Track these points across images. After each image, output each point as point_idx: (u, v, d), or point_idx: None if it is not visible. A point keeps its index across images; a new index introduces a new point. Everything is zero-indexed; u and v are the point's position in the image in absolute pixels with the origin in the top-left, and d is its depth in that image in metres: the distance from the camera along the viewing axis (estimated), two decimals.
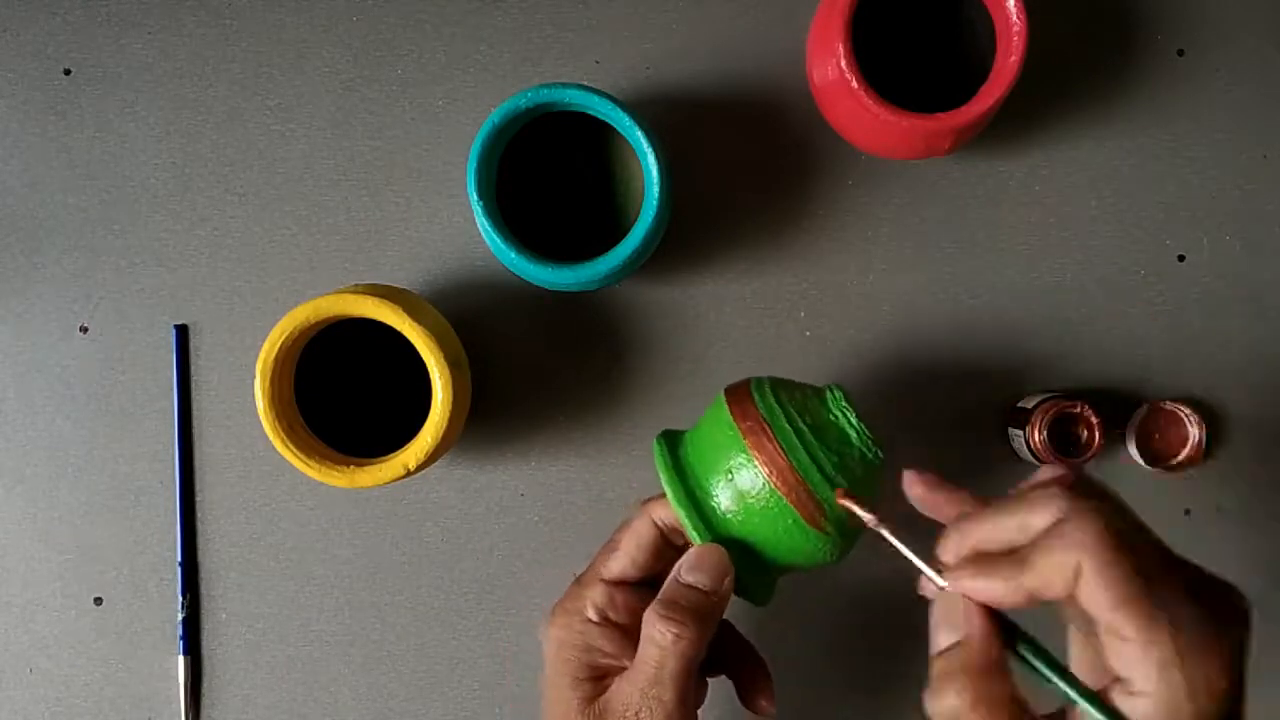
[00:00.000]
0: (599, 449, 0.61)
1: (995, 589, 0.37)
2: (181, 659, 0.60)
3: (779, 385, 0.48)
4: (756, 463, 0.45)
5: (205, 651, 0.61)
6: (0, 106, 0.60)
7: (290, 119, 0.60)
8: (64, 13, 0.60)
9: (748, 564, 0.47)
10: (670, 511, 0.48)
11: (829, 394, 0.48)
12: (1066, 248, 0.60)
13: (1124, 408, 0.60)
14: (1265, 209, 0.60)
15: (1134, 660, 0.34)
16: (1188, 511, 0.61)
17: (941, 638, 0.38)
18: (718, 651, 0.49)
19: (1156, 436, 0.59)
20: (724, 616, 0.47)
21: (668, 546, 0.49)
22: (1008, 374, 0.60)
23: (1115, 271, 0.60)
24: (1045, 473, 0.40)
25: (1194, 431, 0.58)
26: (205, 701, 0.61)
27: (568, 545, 0.60)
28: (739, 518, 0.46)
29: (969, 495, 0.42)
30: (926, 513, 0.43)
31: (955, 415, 0.60)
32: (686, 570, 0.45)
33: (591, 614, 0.47)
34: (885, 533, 0.42)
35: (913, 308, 0.60)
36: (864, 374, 0.60)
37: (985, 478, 0.60)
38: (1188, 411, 0.58)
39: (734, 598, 0.47)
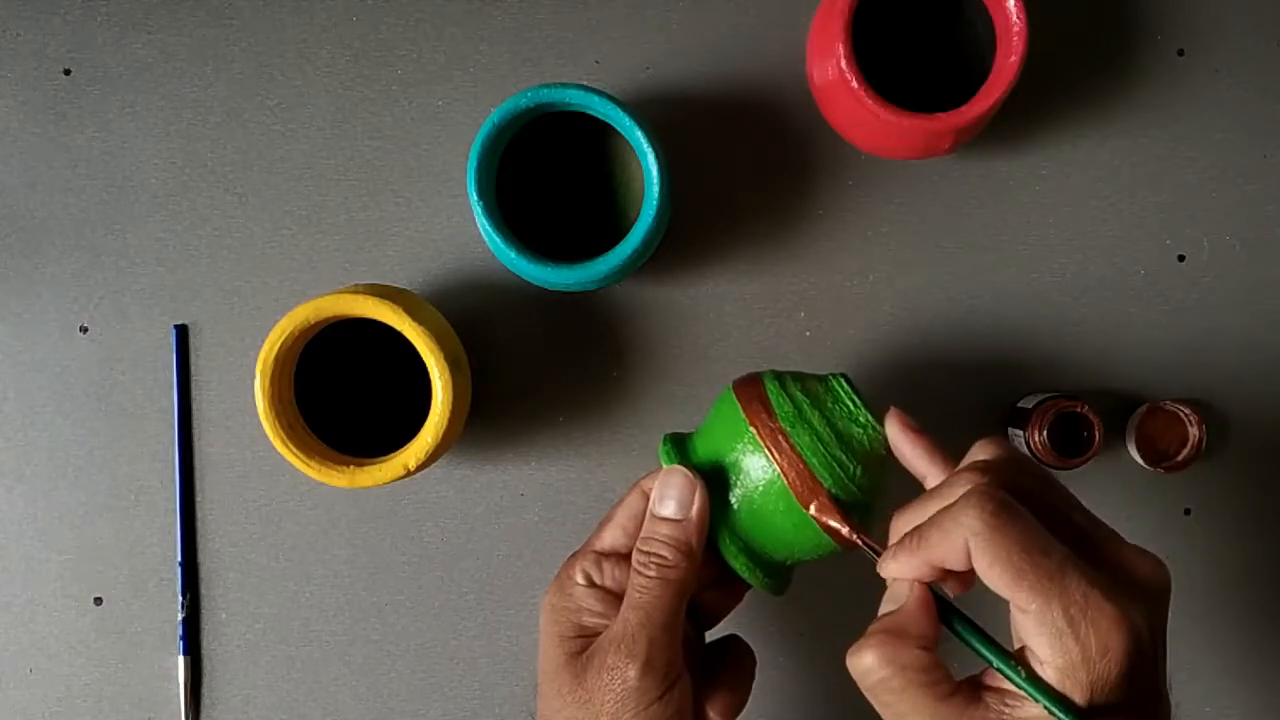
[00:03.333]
0: (599, 449, 0.61)
1: (904, 566, 0.39)
2: (181, 659, 0.60)
3: (788, 378, 0.48)
4: (768, 456, 0.45)
5: (205, 651, 0.61)
6: (0, 106, 0.60)
7: (290, 119, 0.60)
8: (64, 13, 0.60)
9: (762, 555, 0.47)
10: None
11: (835, 384, 0.48)
12: (1066, 248, 0.60)
13: (1124, 408, 0.60)
14: (1265, 209, 0.60)
15: (1032, 631, 0.36)
16: (1188, 511, 0.61)
17: (880, 609, 0.41)
18: (701, 649, 0.50)
19: (1156, 436, 0.59)
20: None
21: None
22: (1007, 374, 0.60)
23: (1115, 271, 0.60)
24: (975, 451, 0.42)
25: (1194, 431, 0.58)
26: (205, 701, 0.61)
27: (568, 545, 0.60)
28: (750, 511, 0.46)
29: (939, 453, 0.44)
30: (897, 454, 0.45)
31: (955, 415, 0.60)
32: (656, 503, 0.46)
33: (580, 579, 0.47)
34: (859, 541, 0.44)
35: (913, 308, 0.60)
36: (864, 374, 0.60)
37: None
38: (1188, 411, 0.58)
39: (751, 591, 0.47)
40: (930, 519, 0.38)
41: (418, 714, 0.61)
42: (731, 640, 0.51)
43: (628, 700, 0.43)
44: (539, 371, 0.60)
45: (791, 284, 0.60)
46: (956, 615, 0.39)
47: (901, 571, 0.39)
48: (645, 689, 0.43)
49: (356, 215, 0.60)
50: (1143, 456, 0.58)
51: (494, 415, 0.60)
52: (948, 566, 0.38)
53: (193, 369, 0.61)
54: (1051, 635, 0.35)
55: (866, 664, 0.38)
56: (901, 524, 0.41)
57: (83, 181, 0.60)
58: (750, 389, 0.47)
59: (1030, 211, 0.60)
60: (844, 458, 0.45)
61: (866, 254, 0.60)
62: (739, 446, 0.46)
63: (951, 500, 0.38)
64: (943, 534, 0.37)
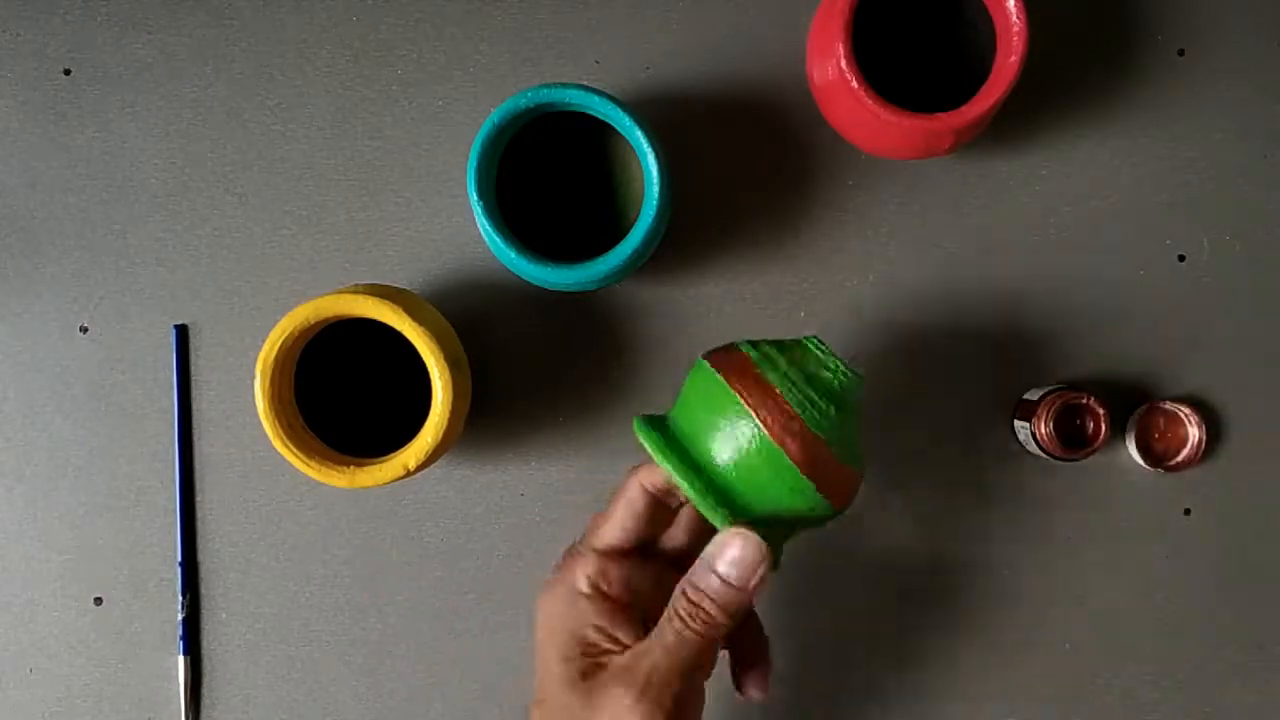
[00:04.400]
0: (599, 449, 0.61)
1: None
2: (181, 659, 0.60)
3: (760, 340, 0.48)
4: (754, 416, 0.45)
5: (205, 651, 0.61)
6: (0, 106, 0.60)
7: (290, 119, 0.60)
8: (64, 13, 0.60)
9: (747, 514, 0.46)
10: (658, 476, 0.47)
11: (806, 341, 0.48)
12: (1066, 248, 0.60)
13: (1124, 407, 0.60)
14: (1265, 209, 0.60)
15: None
16: (1188, 511, 0.61)
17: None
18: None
19: (1156, 436, 0.59)
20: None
21: (659, 510, 0.49)
22: (1006, 374, 0.60)
23: (1115, 271, 0.60)
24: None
25: (1194, 431, 0.58)
26: (205, 701, 0.61)
27: (568, 545, 0.60)
28: (740, 476, 0.45)
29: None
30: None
31: (955, 415, 0.60)
32: (719, 559, 0.45)
33: (583, 585, 0.46)
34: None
35: (913, 307, 0.60)
36: (865, 374, 0.60)
37: (987, 475, 0.60)
38: (1188, 411, 0.58)
39: None
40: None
41: (418, 714, 0.61)
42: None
43: None
44: (539, 371, 0.60)
45: (791, 284, 0.60)
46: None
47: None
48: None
49: (356, 215, 0.60)
50: (1143, 456, 0.59)
51: (494, 415, 0.60)
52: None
53: (193, 369, 0.61)
54: None
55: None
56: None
57: (83, 181, 0.60)
58: (724, 353, 0.48)
59: (1030, 211, 0.60)
60: (814, 395, 0.45)
61: (866, 254, 0.60)
62: (718, 406, 0.46)
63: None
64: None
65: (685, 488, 0.45)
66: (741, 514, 0.45)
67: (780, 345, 0.48)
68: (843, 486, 0.46)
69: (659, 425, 0.48)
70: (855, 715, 0.61)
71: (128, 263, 0.60)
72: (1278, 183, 0.60)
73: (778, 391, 0.45)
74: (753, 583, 0.44)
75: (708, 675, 0.46)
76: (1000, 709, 0.60)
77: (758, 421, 0.45)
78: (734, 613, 0.44)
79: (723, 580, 0.44)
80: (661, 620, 0.45)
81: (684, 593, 0.44)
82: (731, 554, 0.44)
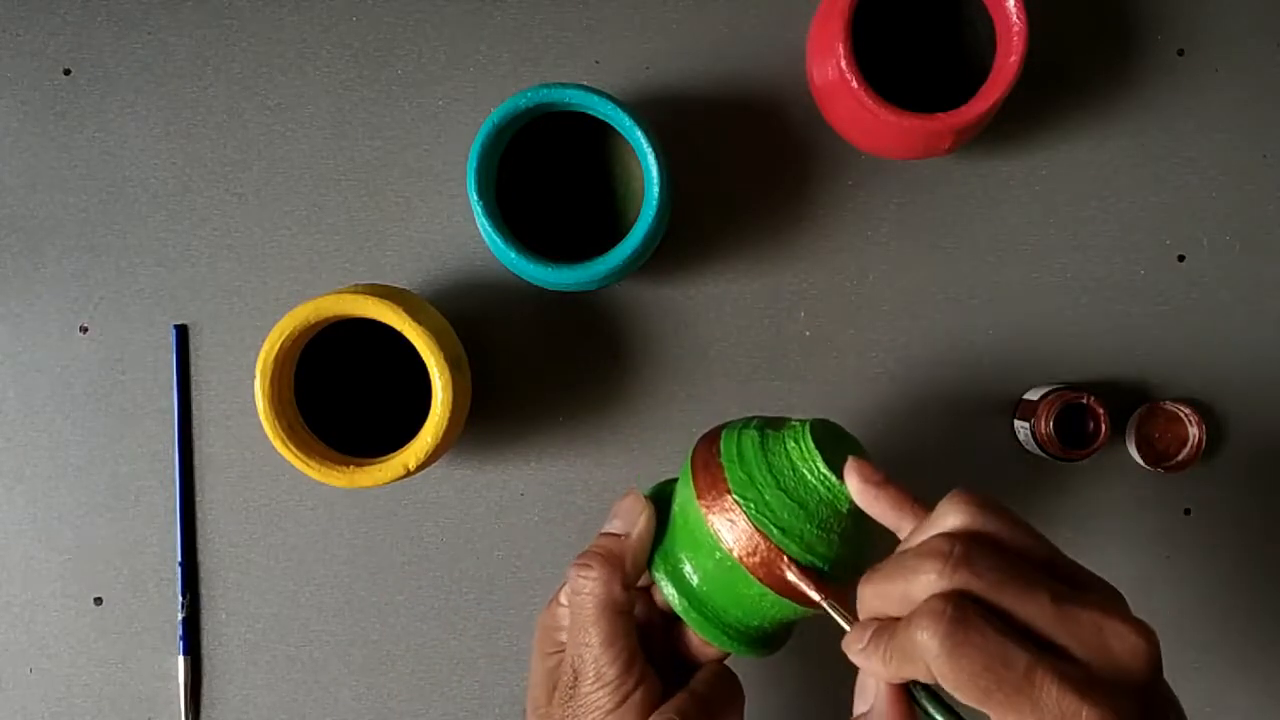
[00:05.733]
0: (599, 449, 0.61)
1: (876, 669, 0.37)
2: (181, 659, 0.60)
3: (747, 438, 0.45)
4: (717, 532, 0.43)
5: (205, 651, 0.61)
6: (0, 106, 0.60)
7: (290, 119, 0.60)
8: (64, 13, 0.60)
9: (738, 626, 0.45)
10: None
11: (791, 439, 0.44)
12: (1066, 247, 0.60)
13: (1124, 407, 0.60)
14: (1265, 209, 0.60)
15: None
16: (1188, 511, 0.61)
17: (857, 704, 0.40)
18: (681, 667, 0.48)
19: (1156, 436, 0.59)
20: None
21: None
22: (1006, 374, 0.60)
23: (1115, 271, 0.60)
24: (942, 509, 0.38)
25: (1194, 431, 0.58)
26: (205, 701, 0.61)
27: (568, 545, 0.60)
28: (716, 590, 0.44)
29: (907, 502, 0.41)
30: (863, 506, 0.42)
31: (954, 416, 0.60)
32: (607, 523, 0.47)
33: (562, 598, 0.48)
34: (828, 608, 0.41)
35: (913, 307, 0.60)
36: (864, 373, 0.60)
37: (987, 475, 0.60)
38: (1188, 411, 0.58)
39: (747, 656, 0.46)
40: (900, 627, 0.36)
41: (418, 714, 0.61)
42: (719, 671, 0.49)
43: (586, 708, 0.44)
44: (539, 371, 0.60)
45: (791, 284, 0.60)
46: (926, 693, 0.37)
47: (872, 672, 0.38)
48: (599, 696, 0.44)
49: (356, 215, 0.60)
50: (1143, 456, 0.58)
51: (494, 415, 0.60)
52: (919, 680, 0.36)
53: (193, 369, 0.61)
54: None
55: None
56: (868, 594, 0.38)
57: (83, 181, 0.60)
58: (704, 455, 0.45)
59: (1030, 211, 0.60)
60: (796, 521, 0.42)
61: (866, 254, 0.60)
62: (695, 517, 0.44)
63: (917, 587, 0.36)
64: (904, 657, 0.35)
65: (672, 601, 0.45)
66: (715, 615, 0.45)
67: (766, 449, 0.44)
68: (807, 580, 0.43)
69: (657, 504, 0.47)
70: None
71: (128, 263, 0.60)
72: (1278, 183, 0.60)
73: (759, 525, 0.42)
74: (637, 529, 0.46)
75: (628, 630, 0.46)
76: None
77: (735, 558, 0.43)
78: (614, 557, 0.46)
79: (605, 534, 0.47)
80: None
81: (573, 561, 0.47)
82: (615, 511, 0.48)
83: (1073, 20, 0.60)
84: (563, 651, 0.46)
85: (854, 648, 0.38)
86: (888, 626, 0.37)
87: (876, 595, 0.38)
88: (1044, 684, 0.33)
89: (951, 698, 0.35)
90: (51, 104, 0.60)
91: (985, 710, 0.34)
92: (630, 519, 0.47)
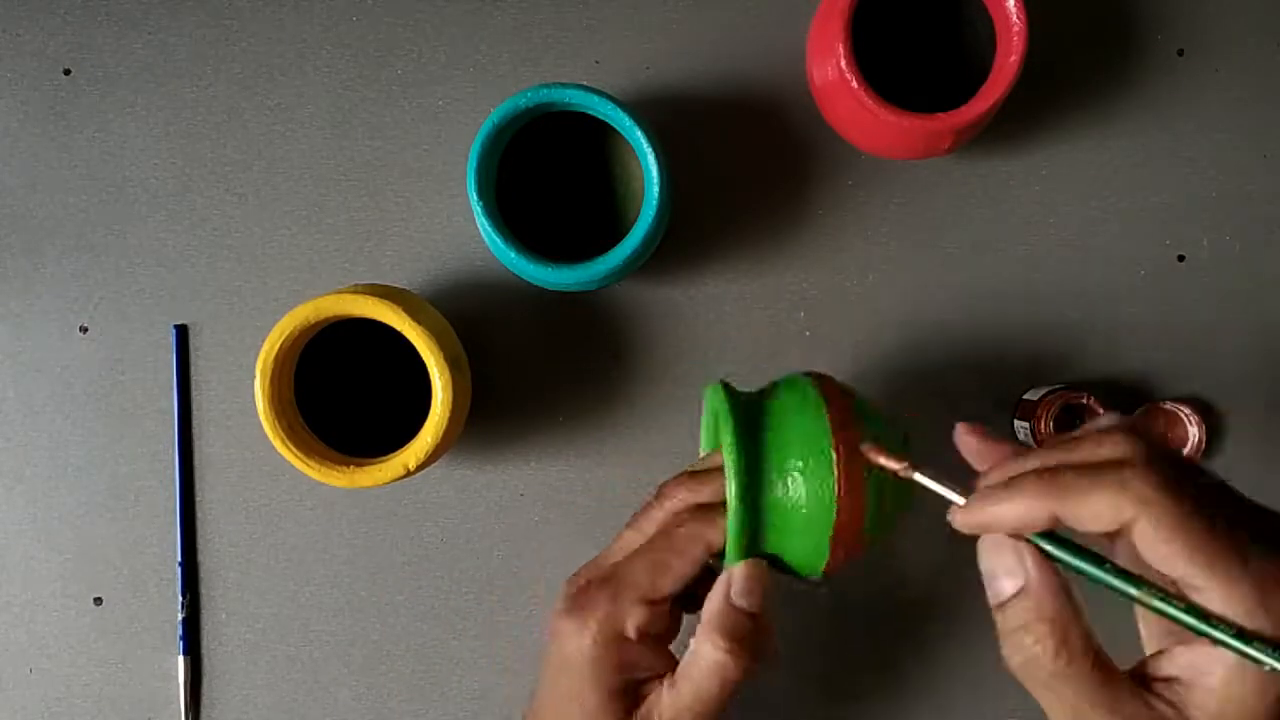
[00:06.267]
0: (599, 449, 0.61)
1: (1016, 510, 0.35)
2: (181, 659, 0.60)
3: (874, 412, 0.47)
4: (835, 484, 0.43)
5: (205, 651, 0.61)
6: (0, 106, 0.60)
7: (290, 119, 0.60)
8: (64, 13, 0.60)
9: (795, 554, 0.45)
10: (702, 492, 0.46)
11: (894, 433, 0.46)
12: (1066, 248, 0.60)
13: (1124, 408, 0.60)
14: (1265, 209, 0.60)
15: (1214, 608, 0.33)
16: None
17: (1003, 585, 0.37)
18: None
19: (1156, 436, 0.59)
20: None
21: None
22: (1006, 374, 0.60)
23: (1115, 271, 0.60)
24: (1108, 419, 0.38)
25: (1194, 431, 0.58)
26: (205, 701, 0.61)
27: (567, 545, 0.60)
28: (778, 521, 0.44)
29: (1017, 447, 0.41)
30: (980, 467, 0.42)
31: (954, 416, 0.60)
32: (736, 594, 0.44)
33: (632, 633, 0.45)
34: (918, 476, 0.42)
35: (913, 307, 0.60)
36: (865, 374, 0.60)
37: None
38: (1188, 411, 0.58)
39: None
40: (1075, 468, 0.34)
41: (418, 714, 0.61)
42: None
43: None
44: (539, 371, 0.60)
45: (791, 284, 0.60)
46: (1058, 543, 0.36)
47: (1006, 515, 0.36)
48: None
49: (356, 215, 0.60)
50: None
51: (494, 415, 0.60)
52: (1078, 525, 0.34)
53: (193, 369, 0.61)
54: (1239, 613, 0.33)
55: (1032, 655, 0.35)
56: (1012, 469, 0.37)
57: (83, 181, 0.60)
58: (843, 407, 0.45)
59: (1030, 211, 0.60)
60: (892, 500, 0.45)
61: (866, 254, 0.60)
62: (811, 458, 0.43)
63: (1105, 449, 0.35)
64: (1099, 490, 0.34)
65: (732, 522, 0.43)
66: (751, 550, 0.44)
67: (887, 445, 0.45)
68: (847, 561, 0.45)
69: (747, 421, 0.45)
70: (855, 715, 0.61)
71: (128, 263, 0.60)
72: (1278, 183, 0.60)
73: (865, 507, 0.44)
74: (768, 605, 0.44)
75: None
76: (1001, 709, 0.60)
77: (833, 517, 0.43)
78: (759, 644, 0.44)
79: (741, 611, 0.44)
80: (691, 657, 0.44)
81: (712, 637, 0.44)
82: (746, 586, 0.44)
83: (1073, 20, 0.60)
84: (637, 691, 0.45)
85: (979, 504, 0.36)
86: (1053, 472, 0.35)
87: (1030, 461, 0.37)
88: (1254, 552, 0.33)
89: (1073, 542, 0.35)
90: (51, 104, 0.60)
91: (1183, 568, 0.33)
92: (760, 594, 0.44)
